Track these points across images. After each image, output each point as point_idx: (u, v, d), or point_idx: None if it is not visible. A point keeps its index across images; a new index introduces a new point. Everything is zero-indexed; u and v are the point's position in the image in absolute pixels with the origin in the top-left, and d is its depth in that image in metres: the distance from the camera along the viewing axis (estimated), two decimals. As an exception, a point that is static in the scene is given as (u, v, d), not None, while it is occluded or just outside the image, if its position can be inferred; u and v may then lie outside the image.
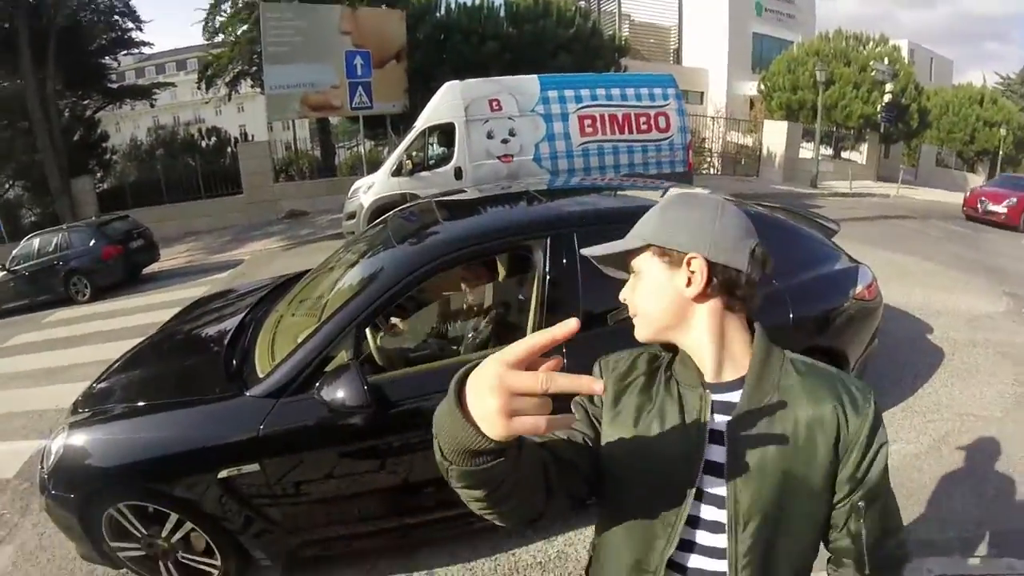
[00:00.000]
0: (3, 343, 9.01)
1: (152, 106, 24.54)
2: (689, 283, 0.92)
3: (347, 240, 3.87)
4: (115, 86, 21.66)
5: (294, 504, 2.46)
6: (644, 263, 0.97)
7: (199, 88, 20.92)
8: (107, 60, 20.81)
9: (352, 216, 10.41)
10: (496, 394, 0.63)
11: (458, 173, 9.94)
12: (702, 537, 0.95)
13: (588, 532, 2.77)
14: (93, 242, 11.14)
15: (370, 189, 10.22)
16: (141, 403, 2.64)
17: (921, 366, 4.55)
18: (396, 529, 2.64)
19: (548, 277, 2.58)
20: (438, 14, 17.77)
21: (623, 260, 1.01)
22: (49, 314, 10.48)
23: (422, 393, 2.40)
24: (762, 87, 23.52)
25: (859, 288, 3.21)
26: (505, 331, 2.86)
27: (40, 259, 11.30)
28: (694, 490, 0.93)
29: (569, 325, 0.66)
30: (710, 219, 0.93)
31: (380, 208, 9.33)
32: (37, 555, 3.13)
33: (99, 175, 20.54)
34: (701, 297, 0.93)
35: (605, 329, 2.52)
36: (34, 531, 3.33)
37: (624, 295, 1.01)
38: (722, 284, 0.92)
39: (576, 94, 10.45)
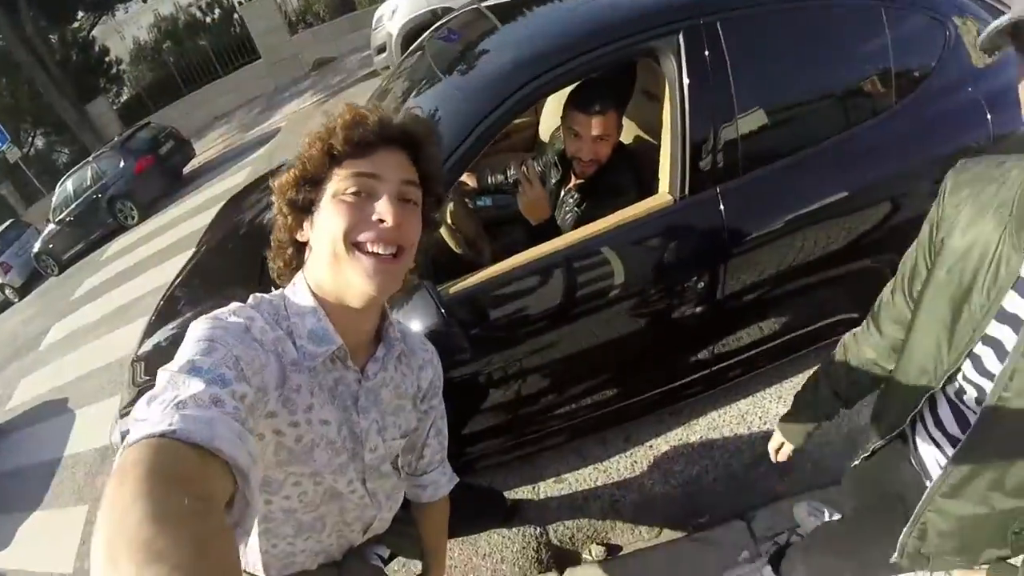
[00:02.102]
0: (73, 295, 9.02)
1: (144, 1, 22.56)
2: None
3: (380, 83, 2.91)
4: (96, -3, 19.89)
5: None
6: None
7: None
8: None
9: (382, 49, 9.12)
10: None
11: (498, -29, 8.29)
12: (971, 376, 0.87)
13: (732, 412, 2.28)
14: (122, 163, 10.73)
15: (395, 13, 8.79)
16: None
17: None
18: (510, 447, 2.17)
19: (687, 97, 1.63)
20: None
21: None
22: (106, 249, 10.38)
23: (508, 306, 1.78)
24: None
25: None
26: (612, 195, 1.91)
27: (79, 199, 11.02)
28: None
29: None
30: None
31: (412, 33, 8.03)
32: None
33: (113, 92, 19.89)
34: None
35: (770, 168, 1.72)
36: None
37: None
38: None
39: None
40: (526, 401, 1.99)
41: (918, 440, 1.04)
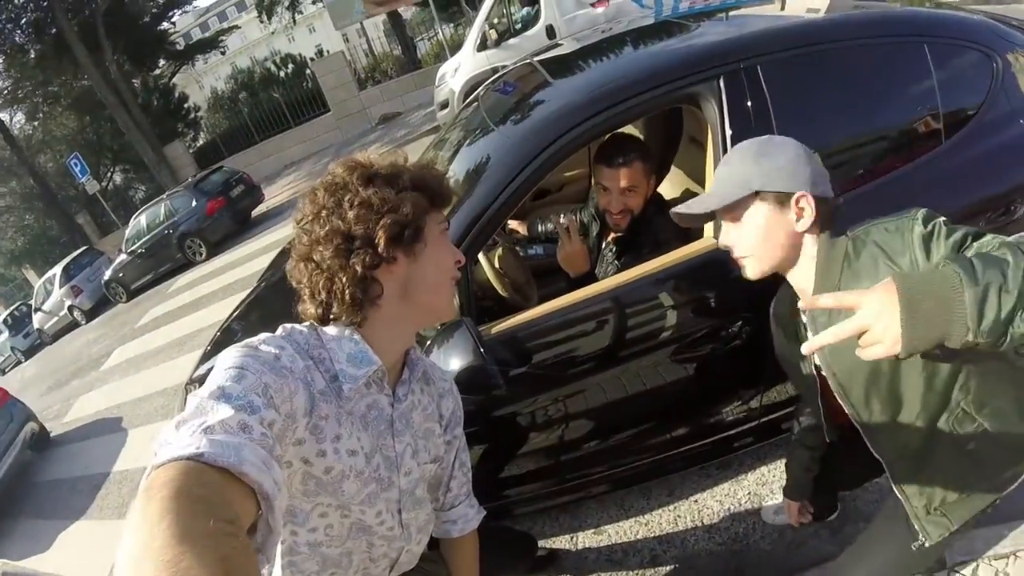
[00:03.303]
0: (138, 322, 9.40)
1: (223, 54, 24.37)
2: (799, 218, 1.08)
3: (436, 136, 3.02)
4: (181, 47, 21.64)
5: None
6: (748, 209, 1.11)
7: (262, 22, 20.46)
8: (164, 26, 20.75)
9: (445, 105, 9.53)
10: None
11: (550, 32, 8.62)
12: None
13: (781, 468, 2.22)
14: (195, 202, 11.27)
15: (457, 71, 9.21)
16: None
17: None
18: (551, 493, 2.11)
19: (729, 141, 1.63)
20: None
21: (710, 214, 1.19)
22: (173, 282, 10.89)
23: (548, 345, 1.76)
24: None
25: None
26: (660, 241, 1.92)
27: (151, 233, 11.61)
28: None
29: None
30: (804, 161, 1.08)
31: (474, 90, 8.37)
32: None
33: (190, 136, 21.31)
34: (811, 228, 1.08)
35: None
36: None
37: (727, 241, 1.17)
38: (824, 213, 1.08)
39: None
40: (566, 447, 1.96)
41: None
